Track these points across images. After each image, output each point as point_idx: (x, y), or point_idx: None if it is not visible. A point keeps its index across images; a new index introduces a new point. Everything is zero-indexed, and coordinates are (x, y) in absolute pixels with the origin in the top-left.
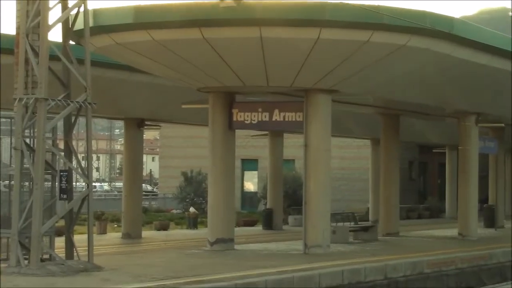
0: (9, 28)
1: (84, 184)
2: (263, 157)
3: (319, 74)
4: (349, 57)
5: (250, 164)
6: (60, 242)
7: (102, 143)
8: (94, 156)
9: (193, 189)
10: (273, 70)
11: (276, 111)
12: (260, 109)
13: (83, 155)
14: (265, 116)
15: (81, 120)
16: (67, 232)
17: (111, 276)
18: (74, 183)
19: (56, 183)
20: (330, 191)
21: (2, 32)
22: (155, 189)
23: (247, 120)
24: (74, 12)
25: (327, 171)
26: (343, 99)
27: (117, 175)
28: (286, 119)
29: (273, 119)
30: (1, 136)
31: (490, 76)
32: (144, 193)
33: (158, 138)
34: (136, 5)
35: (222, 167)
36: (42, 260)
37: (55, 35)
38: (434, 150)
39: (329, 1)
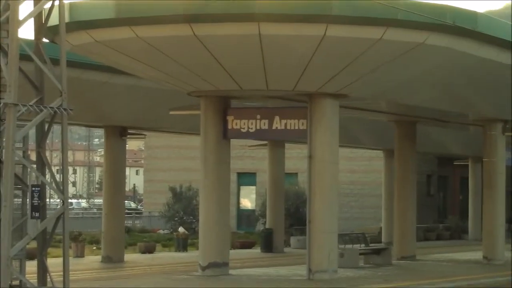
0: None
1: (59, 200)
2: (262, 170)
3: (325, 76)
4: (359, 57)
5: (247, 178)
6: (31, 266)
7: (80, 154)
8: (70, 169)
9: (183, 206)
10: (273, 72)
11: (277, 118)
12: (258, 116)
13: (58, 167)
14: (264, 124)
15: (56, 128)
16: (39, 255)
17: None
18: (47, 200)
19: (27, 200)
20: (338, 209)
21: None
22: (139, 206)
23: (243, 128)
24: (48, 6)
25: (334, 186)
26: (352, 105)
27: (96, 191)
28: (288, 127)
29: (273, 127)
30: None
31: None
32: (127, 210)
33: (142, 148)
34: None
35: (216, 182)
36: (11, 287)
37: (27, 31)
38: (455, 163)
39: None
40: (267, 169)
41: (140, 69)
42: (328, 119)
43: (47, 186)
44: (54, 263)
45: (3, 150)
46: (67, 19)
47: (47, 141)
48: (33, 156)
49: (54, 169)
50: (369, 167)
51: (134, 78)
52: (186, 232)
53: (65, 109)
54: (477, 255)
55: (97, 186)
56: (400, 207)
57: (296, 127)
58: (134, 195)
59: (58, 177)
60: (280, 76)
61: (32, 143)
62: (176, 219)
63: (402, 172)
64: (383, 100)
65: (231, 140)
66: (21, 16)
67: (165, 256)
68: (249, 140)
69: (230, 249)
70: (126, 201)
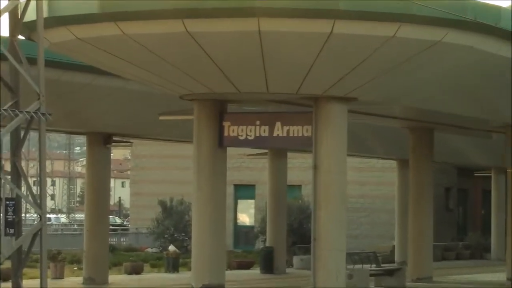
0: None
1: (35, 215)
2: (262, 182)
3: (332, 78)
4: (369, 57)
5: (245, 190)
6: None
7: (59, 164)
8: (49, 181)
9: (173, 222)
10: (274, 73)
11: (278, 124)
12: (258, 122)
13: (35, 179)
14: (264, 131)
15: (33, 135)
16: (14, 276)
17: None
18: (23, 215)
19: (1, 215)
20: (346, 225)
21: None
22: (125, 222)
23: (241, 136)
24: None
25: (342, 199)
26: (362, 109)
27: (78, 205)
28: (291, 134)
29: (275, 134)
30: None
31: None
32: (111, 227)
33: (129, 158)
34: None
35: (210, 195)
36: None
37: (1, 28)
38: (476, 174)
39: None
40: (268, 181)
41: (126, 69)
42: (335, 125)
43: (22, 200)
44: (30, 284)
45: None
46: (45, 14)
47: (23, 150)
48: (8, 166)
49: (30, 180)
50: (381, 179)
51: (120, 80)
52: (177, 250)
53: (43, 114)
54: (501, 276)
55: (78, 199)
56: (415, 224)
57: (300, 134)
58: (120, 210)
59: (35, 189)
60: (282, 77)
61: (6, 152)
62: (166, 236)
63: (417, 185)
64: (397, 105)
65: (228, 148)
66: None
67: (154, 278)
68: (247, 148)
69: (226, 269)
70: (110, 216)
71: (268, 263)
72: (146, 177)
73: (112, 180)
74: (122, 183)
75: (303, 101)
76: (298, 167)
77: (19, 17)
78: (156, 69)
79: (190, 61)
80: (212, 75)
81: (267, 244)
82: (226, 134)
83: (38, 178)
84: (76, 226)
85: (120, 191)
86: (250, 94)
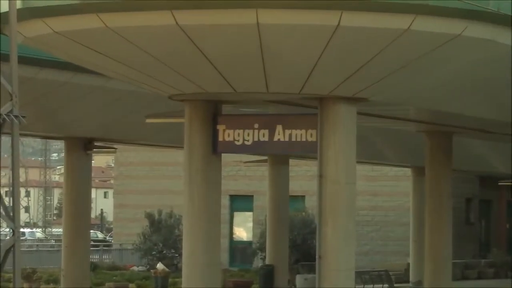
0: None
1: (8, 230)
2: (261, 192)
3: (339, 76)
4: (381, 52)
5: (242, 202)
6: None
7: (34, 173)
8: (23, 191)
9: (162, 237)
10: (275, 71)
11: (279, 128)
12: (256, 125)
13: (7, 189)
14: (263, 135)
15: (5, 140)
16: None
17: None
18: None
19: None
20: (355, 241)
21: None
22: (108, 237)
23: (238, 140)
24: None
25: (351, 212)
26: (373, 111)
27: (55, 218)
28: (293, 139)
29: (275, 138)
30: None
31: None
32: (93, 242)
33: (112, 165)
34: None
35: (203, 207)
36: None
37: None
38: (501, 183)
39: None
40: (267, 191)
41: (110, 66)
42: (343, 128)
43: None
44: None
45: None
46: (18, 5)
47: None
48: None
49: (2, 191)
50: (395, 189)
51: (102, 78)
52: (167, 269)
53: (16, 116)
54: None
55: (55, 212)
56: (432, 239)
57: (304, 139)
58: (102, 224)
59: (7, 200)
60: (283, 75)
61: None
62: (154, 253)
63: (435, 195)
64: (411, 106)
65: (223, 155)
66: None
67: None
68: (245, 155)
69: None
70: (92, 231)
71: (268, 283)
72: (131, 187)
73: (93, 190)
74: (105, 193)
75: (307, 102)
76: (301, 175)
77: None
78: (143, 66)
79: (181, 57)
80: (205, 73)
81: (267, 262)
82: (220, 138)
83: (11, 188)
84: (53, 242)
85: (102, 202)
86: (248, 94)
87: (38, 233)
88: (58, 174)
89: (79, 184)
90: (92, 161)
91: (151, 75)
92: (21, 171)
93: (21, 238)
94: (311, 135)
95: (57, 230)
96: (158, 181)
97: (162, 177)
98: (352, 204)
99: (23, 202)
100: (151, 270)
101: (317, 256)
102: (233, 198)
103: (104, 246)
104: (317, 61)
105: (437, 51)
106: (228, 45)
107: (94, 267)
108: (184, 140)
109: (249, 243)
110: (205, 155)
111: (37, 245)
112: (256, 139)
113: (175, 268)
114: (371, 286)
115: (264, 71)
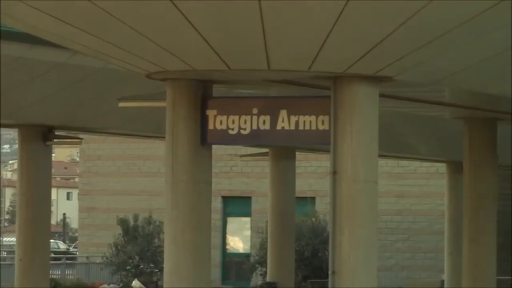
0: None
1: None
2: (260, 193)
3: (357, 50)
4: (409, 20)
5: (237, 205)
6: None
7: None
8: None
9: (139, 248)
10: (277, 44)
11: (283, 114)
12: (255, 110)
13: None
14: (264, 122)
15: None
16: None
17: None
18: None
19: None
20: (377, 253)
21: None
22: (71, 249)
23: (232, 129)
24: None
25: (372, 217)
26: (399, 94)
27: (6, 224)
28: (300, 127)
29: (278, 127)
30: None
31: None
32: (53, 255)
33: (77, 159)
34: None
35: (189, 211)
36: None
37: None
38: None
39: None
40: (269, 191)
41: (74, 37)
42: (362, 114)
43: None
44: None
45: None
46: None
47: None
48: None
49: None
50: (426, 189)
51: (65, 52)
52: (144, 287)
53: None
54: None
55: (7, 217)
56: (472, 250)
57: (313, 127)
58: (64, 231)
59: None
60: (288, 49)
61: None
62: (128, 267)
63: (475, 197)
64: (447, 87)
65: (214, 147)
66: None
67: None
68: (241, 147)
69: None
70: (52, 241)
71: None
72: (100, 186)
73: (54, 190)
74: (68, 194)
75: (318, 81)
76: (310, 173)
77: None
78: (115, 37)
79: (162, 26)
80: (193, 46)
81: (268, 279)
82: (211, 126)
83: None
84: (4, 254)
85: (65, 205)
86: (245, 72)
87: None
88: (10, 170)
89: (36, 182)
90: (53, 155)
91: (125, 48)
92: None
93: None
94: (323, 122)
95: (9, 240)
96: (134, 179)
97: (138, 174)
98: (373, 208)
99: None
100: None
101: (330, 272)
102: (227, 200)
103: (67, 259)
104: (330, 32)
105: (478, 18)
106: (221, 12)
107: (55, 284)
108: (165, 129)
109: (246, 255)
110: (192, 147)
111: None
112: (254, 127)
113: (154, 286)
114: None
115: (264, 44)
